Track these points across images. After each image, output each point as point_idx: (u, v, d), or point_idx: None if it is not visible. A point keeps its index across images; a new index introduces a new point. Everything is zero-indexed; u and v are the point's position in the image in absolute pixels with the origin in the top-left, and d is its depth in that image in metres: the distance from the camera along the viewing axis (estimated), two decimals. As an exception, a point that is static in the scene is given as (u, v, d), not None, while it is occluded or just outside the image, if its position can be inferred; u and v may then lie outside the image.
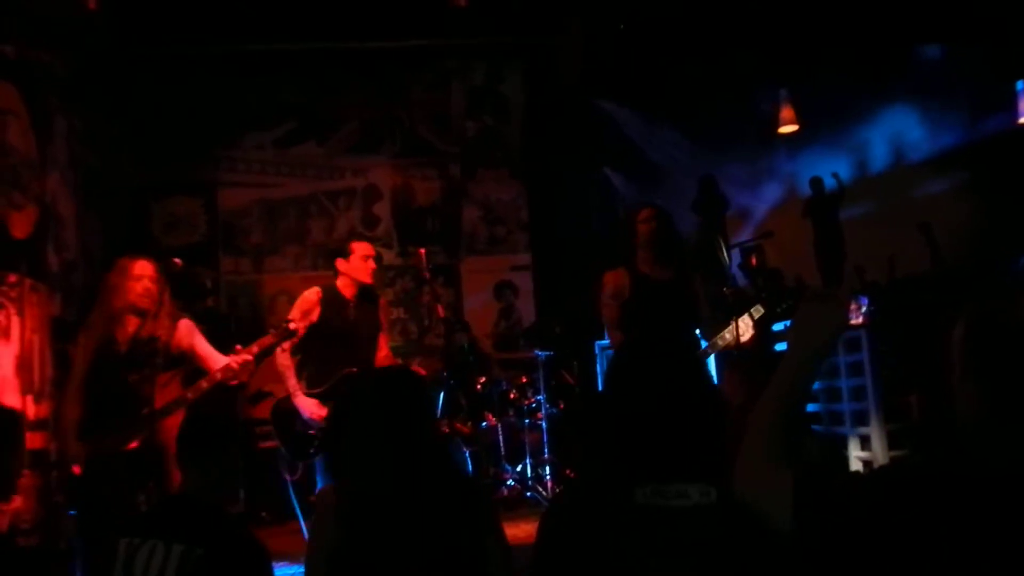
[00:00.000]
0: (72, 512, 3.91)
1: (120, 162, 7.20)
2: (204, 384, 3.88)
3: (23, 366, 5.12)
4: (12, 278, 5.09)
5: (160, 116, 7.77)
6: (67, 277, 5.91)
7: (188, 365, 4.03)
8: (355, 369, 4.36)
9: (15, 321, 5.08)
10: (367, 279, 4.56)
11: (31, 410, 5.16)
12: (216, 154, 8.24)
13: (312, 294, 4.51)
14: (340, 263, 4.59)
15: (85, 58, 6.41)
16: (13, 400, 4.99)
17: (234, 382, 3.97)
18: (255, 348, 3.99)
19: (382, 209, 8.41)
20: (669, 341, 3.64)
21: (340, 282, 4.56)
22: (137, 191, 7.81)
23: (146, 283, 3.87)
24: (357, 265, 4.53)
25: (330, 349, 4.44)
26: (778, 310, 3.92)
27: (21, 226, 5.31)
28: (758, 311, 3.92)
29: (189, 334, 4.00)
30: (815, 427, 5.72)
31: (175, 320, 3.96)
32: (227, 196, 8.26)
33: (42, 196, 5.64)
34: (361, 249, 4.59)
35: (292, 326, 4.19)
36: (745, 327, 3.94)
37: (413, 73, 8.51)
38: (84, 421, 3.78)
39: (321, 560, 2.14)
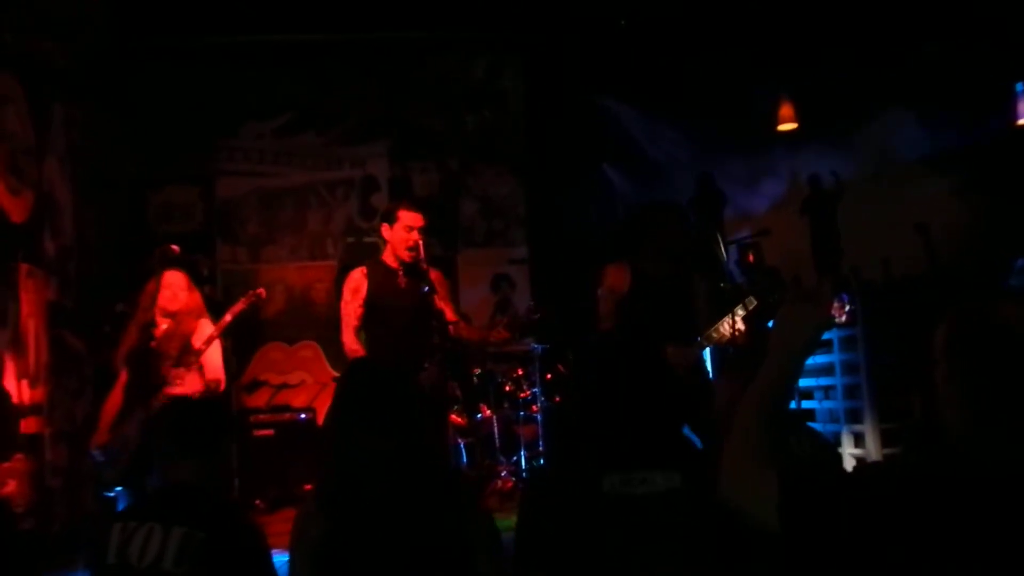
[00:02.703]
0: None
1: (118, 151, 7.18)
2: (183, 371, 4.16)
3: (18, 351, 5.12)
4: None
5: (159, 106, 7.76)
6: (63, 264, 5.90)
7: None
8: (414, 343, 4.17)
9: (11, 306, 5.08)
10: (404, 256, 4.22)
11: (26, 395, 5.16)
12: (215, 143, 8.23)
13: (357, 272, 4.35)
14: (385, 229, 4.28)
15: (85, 48, 6.39)
16: (8, 385, 4.99)
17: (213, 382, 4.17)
18: (228, 317, 4.24)
19: (379, 201, 8.38)
20: (630, 336, 3.65)
21: (386, 253, 4.33)
22: (135, 179, 7.79)
23: (174, 290, 4.29)
24: (399, 235, 4.21)
25: (385, 324, 4.25)
26: (771, 300, 3.87)
27: (18, 211, 5.30)
28: (751, 303, 3.90)
29: (201, 334, 4.25)
30: (811, 424, 5.74)
31: (198, 318, 4.31)
32: (225, 185, 8.25)
33: (39, 182, 5.63)
34: (407, 218, 4.23)
35: (261, 291, 4.39)
36: (739, 321, 3.93)
37: (413, 66, 8.49)
38: (122, 413, 4.17)
39: (305, 554, 2.14)
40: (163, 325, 4.28)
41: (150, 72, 7.69)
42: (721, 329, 3.97)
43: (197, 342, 4.20)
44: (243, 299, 4.32)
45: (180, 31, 7.37)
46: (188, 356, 4.15)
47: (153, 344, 4.22)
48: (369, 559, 2.03)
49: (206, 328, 4.31)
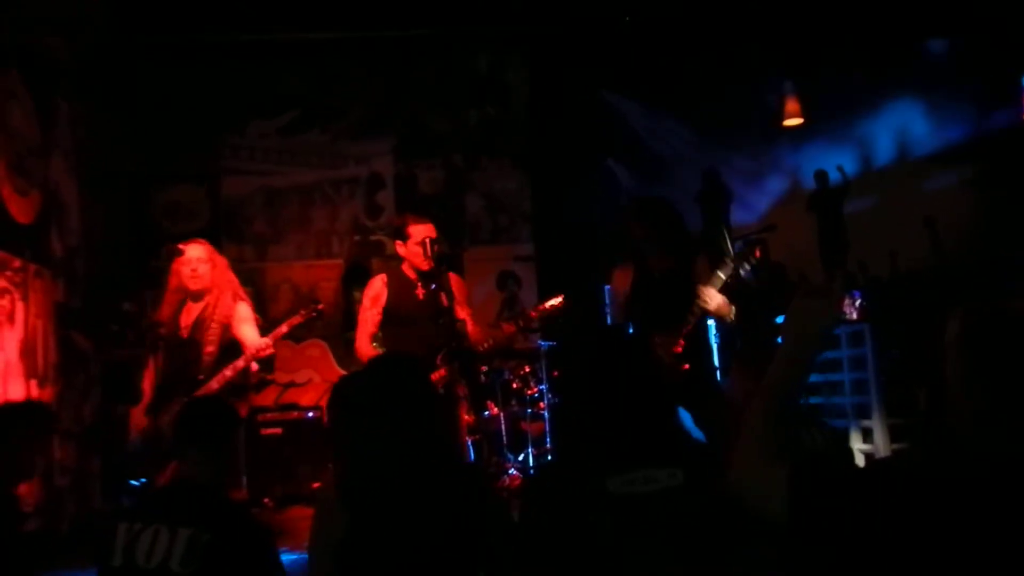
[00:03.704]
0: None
1: (122, 149, 7.19)
2: (228, 372, 4.02)
3: (27, 351, 5.13)
4: (16, 263, 5.10)
5: (164, 104, 7.77)
6: (71, 263, 5.91)
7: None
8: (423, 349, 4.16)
9: (19, 306, 5.09)
10: (423, 266, 4.27)
11: (35, 394, 5.17)
12: (220, 142, 8.24)
13: (378, 280, 4.41)
14: (399, 246, 4.35)
15: (89, 46, 6.40)
16: (17, 385, 5.00)
17: (255, 368, 4.04)
18: (284, 328, 4.15)
19: (385, 198, 8.40)
20: (614, 333, 3.63)
21: (404, 264, 4.37)
22: (140, 178, 7.81)
23: (193, 264, 4.07)
24: (414, 250, 4.28)
25: (402, 332, 4.29)
26: (740, 272, 3.80)
27: (25, 211, 5.31)
28: (727, 269, 3.85)
29: (239, 320, 4.14)
30: (824, 419, 5.72)
31: (234, 299, 4.17)
32: (230, 184, 8.26)
33: (45, 182, 5.63)
34: (418, 232, 4.29)
35: (321, 306, 4.30)
36: (713, 291, 3.87)
37: (416, 62, 8.49)
38: (156, 401, 4.02)
39: (326, 552, 2.13)
40: (194, 309, 4.10)
41: (153, 70, 7.69)
42: (703, 299, 3.91)
43: (237, 330, 4.09)
44: (303, 311, 4.24)
45: (183, 29, 7.37)
46: (236, 362, 4.01)
47: (185, 334, 4.08)
48: (392, 550, 2.03)
49: (244, 313, 4.17)
